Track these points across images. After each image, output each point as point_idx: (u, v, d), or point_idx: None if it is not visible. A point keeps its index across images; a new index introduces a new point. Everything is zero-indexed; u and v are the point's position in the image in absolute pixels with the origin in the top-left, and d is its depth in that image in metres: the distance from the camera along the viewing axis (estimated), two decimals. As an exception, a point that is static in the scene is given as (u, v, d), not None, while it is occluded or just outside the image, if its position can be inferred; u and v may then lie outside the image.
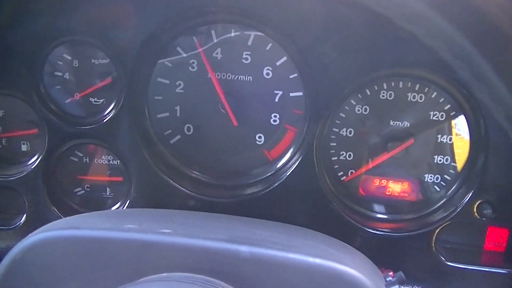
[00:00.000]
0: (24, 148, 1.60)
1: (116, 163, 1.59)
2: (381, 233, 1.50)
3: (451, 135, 1.51)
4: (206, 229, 1.20)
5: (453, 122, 1.50)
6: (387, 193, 1.57)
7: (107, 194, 1.63)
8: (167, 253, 1.10)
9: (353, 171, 1.56)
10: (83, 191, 1.64)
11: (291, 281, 1.07)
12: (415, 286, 1.47)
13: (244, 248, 1.08)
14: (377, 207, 1.58)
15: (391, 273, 1.19)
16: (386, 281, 1.15)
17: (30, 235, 1.14)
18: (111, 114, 1.50)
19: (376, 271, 1.19)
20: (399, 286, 1.14)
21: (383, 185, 1.57)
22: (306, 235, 1.29)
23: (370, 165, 1.55)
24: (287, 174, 1.49)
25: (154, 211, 1.33)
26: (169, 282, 1.06)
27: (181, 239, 1.11)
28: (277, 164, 1.56)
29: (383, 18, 1.31)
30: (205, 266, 1.09)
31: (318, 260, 1.07)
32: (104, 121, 1.50)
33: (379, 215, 1.57)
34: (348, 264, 1.08)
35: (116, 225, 1.17)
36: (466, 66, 1.27)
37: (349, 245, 1.26)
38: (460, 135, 1.50)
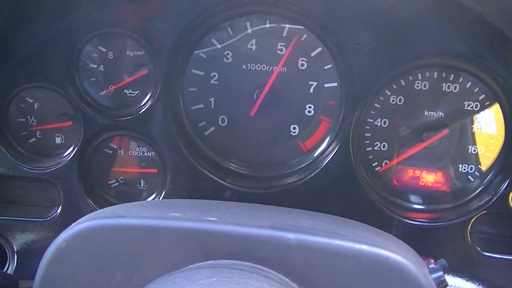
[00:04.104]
0: (58, 140, 1.61)
1: (150, 155, 1.59)
2: (416, 223, 1.51)
3: (486, 124, 1.51)
4: (251, 217, 1.20)
5: (487, 111, 1.49)
6: (421, 184, 1.58)
7: (141, 186, 1.63)
8: (214, 241, 1.10)
9: (388, 162, 1.56)
10: (117, 183, 1.64)
11: (338, 267, 1.08)
12: (451, 276, 1.47)
13: (291, 235, 1.09)
14: (411, 197, 1.59)
15: (432, 260, 1.19)
16: (429, 268, 1.15)
17: (74, 224, 1.15)
18: (147, 106, 1.51)
19: (419, 258, 1.19)
20: (443, 273, 1.14)
21: (416, 175, 1.57)
22: (348, 223, 1.29)
23: (405, 156, 1.55)
24: (324, 164, 1.49)
25: (197, 201, 1.33)
26: (218, 269, 1.07)
27: (227, 226, 1.11)
28: (313, 154, 1.56)
29: (422, 6, 1.34)
30: (252, 254, 1.09)
31: (364, 247, 1.08)
32: (140, 112, 1.51)
33: (413, 205, 1.57)
34: (393, 250, 1.09)
35: (161, 214, 1.17)
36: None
37: (389, 234, 1.26)
38: (495, 124, 1.50)
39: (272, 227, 1.12)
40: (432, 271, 1.14)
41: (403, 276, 1.06)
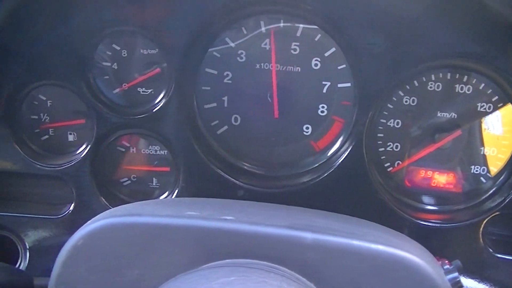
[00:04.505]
0: (70, 138, 1.61)
1: (163, 153, 1.60)
2: (428, 224, 1.51)
3: (498, 126, 1.51)
4: (267, 217, 1.21)
5: (500, 113, 1.49)
6: (433, 184, 1.58)
7: (154, 184, 1.64)
8: (230, 240, 1.11)
9: (400, 162, 1.56)
10: (129, 181, 1.64)
11: (354, 267, 1.08)
12: (463, 277, 1.47)
13: (307, 235, 1.09)
14: (423, 198, 1.59)
15: (446, 261, 1.20)
16: (444, 269, 1.16)
17: (90, 221, 1.15)
18: (161, 104, 1.51)
19: (434, 259, 1.19)
20: (459, 274, 1.14)
21: (428, 176, 1.57)
22: (363, 223, 1.29)
23: (417, 156, 1.55)
24: (337, 164, 1.49)
25: (212, 200, 1.33)
26: (236, 268, 1.07)
27: (244, 226, 1.11)
28: (326, 153, 1.57)
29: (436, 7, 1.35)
30: (269, 253, 1.09)
31: (381, 247, 1.08)
32: (154, 111, 1.51)
33: (425, 206, 1.58)
34: (410, 251, 1.09)
35: (177, 213, 1.17)
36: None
37: (403, 234, 1.26)
38: (507, 126, 1.50)
39: (288, 226, 1.12)
40: (447, 272, 1.14)
41: (420, 277, 1.06)
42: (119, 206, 1.24)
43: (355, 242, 1.09)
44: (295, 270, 1.09)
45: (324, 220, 1.25)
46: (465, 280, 1.47)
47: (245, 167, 1.59)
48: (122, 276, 1.12)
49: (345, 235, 1.11)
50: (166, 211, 1.18)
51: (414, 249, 1.14)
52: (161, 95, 1.53)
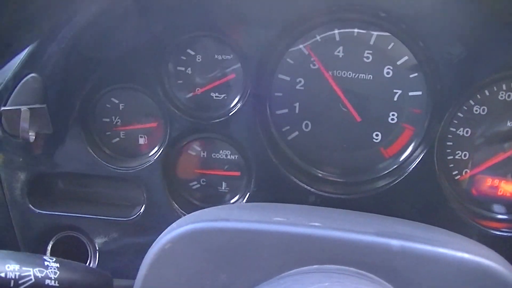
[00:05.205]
0: (141, 141, 1.62)
1: (234, 157, 1.61)
2: (499, 233, 1.52)
3: None
4: (351, 223, 1.22)
5: None
6: (499, 193, 1.58)
7: (223, 188, 1.65)
8: (319, 246, 1.12)
9: (468, 171, 1.57)
10: (198, 185, 1.66)
11: (440, 275, 1.09)
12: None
13: (395, 242, 1.10)
14: (491, 207, 1.59)
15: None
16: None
17: (176, 225, 1.16)
18: (235, 109, 1.53)
19: (512, 268, 1.20)
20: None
21: (495, 185, 1.58)
22: (442, 232, 1.30)
23: (485, 165, 1.56)
24: (409, 170, 1.51)
25: (293, 206, 1.34)
26: (328, 273, 1.08)
27: (332, 232, 1.13)
28: (398, 159, 1.58)
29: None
30: (356, 259, 1.10)
31: (466, 255, 1.09)
32: (229, 115, 1.53)
33: (494, 215, 1.58)
34: (493, 260, 1.10)
35: (265, 218, 1.19)
36: None
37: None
38: None
39: (376, 233, 1.13)
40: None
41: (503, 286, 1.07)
42: (203, 210, 1.25)
43: (441, 250, 1.10)
44: (382, 277, 1.10)
45: (406, 227, 1.26)
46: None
47: (317, 173, 1.60)
48: (210, 279, 1.13)
49: (431, 243, 1.12)
50: (253, 216, 1.20)
51: (496, 258, 1.15)
52: (236, 100, 1.55)
